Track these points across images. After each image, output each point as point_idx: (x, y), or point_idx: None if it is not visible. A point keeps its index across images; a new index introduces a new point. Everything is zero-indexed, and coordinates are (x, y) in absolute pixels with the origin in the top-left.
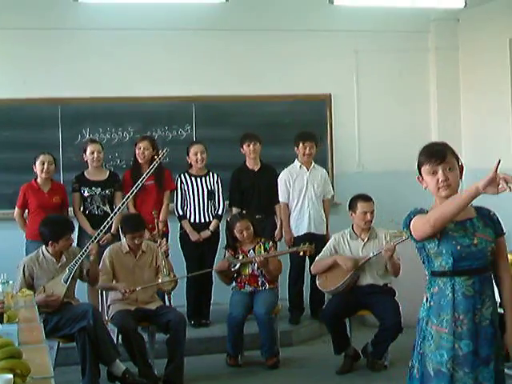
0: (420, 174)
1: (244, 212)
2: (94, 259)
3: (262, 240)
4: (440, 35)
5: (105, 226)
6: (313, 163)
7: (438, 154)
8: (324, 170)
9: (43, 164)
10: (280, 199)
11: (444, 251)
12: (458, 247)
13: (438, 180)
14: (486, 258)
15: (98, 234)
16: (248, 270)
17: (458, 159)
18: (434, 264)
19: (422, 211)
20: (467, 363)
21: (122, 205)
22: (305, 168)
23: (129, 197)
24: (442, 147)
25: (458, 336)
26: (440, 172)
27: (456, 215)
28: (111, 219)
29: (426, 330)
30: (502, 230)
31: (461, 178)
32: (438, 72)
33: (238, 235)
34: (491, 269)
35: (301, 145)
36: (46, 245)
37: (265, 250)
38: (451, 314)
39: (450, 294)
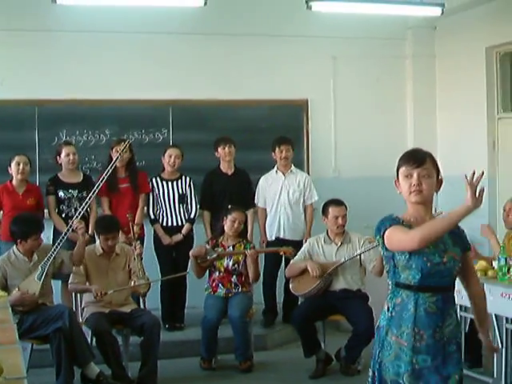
0: (398, 177)
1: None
2: (81, 237)
3: (244, 240)
4: (417, 42)
5: (73, 222)
6: (292, 168)
7: (416, 158)
8: (305, 175)
9: (18, 165)
10: (257, 204)
11: (414, 266)
12: (428, 264)
13: (410, 184)
14: (451, 277)
15: (66, 232)
16: (223, 265)
17: (438, 171)
18: (400, 275)
19: (397, 220)
20: (422, 378)
21: (89, 199)
22: (281, 173)
23: (95, 191)
24: (423, 153)
25: (417, 350)
26: (415, 176)
27: (443, 235)
28: (79, 214)
29: (385, 340)
30: (469, 246)
31: (437, 191)
32: (414, 79)
33: (228, 224)
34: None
35: (277, 149)
36: (16, 243)
37: (244, 247)
38: (411, 327)
39: (412, 309)
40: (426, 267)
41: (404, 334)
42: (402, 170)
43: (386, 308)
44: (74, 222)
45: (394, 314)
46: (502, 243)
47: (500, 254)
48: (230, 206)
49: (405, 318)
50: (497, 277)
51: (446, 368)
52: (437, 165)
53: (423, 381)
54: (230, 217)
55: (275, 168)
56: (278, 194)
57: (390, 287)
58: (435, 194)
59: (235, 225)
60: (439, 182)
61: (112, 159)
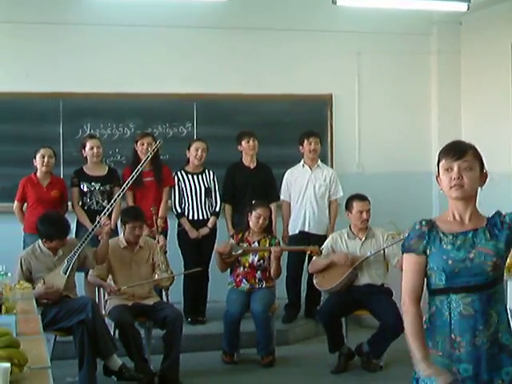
0: (438, 172)
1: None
2: (106, 236)
3: (269, 236)
4: (442, 38)
5: (101, 218)
6: (318, 162)
7: (456, 150)
8: (332, 171)
9: (43, 157)
10: (281, 197)
11: (435, 267)
12: (450, 262)
13: (451, 178)
14: (485, 274)
15: (93, 229)
16: (248, 260)
17: (482, 164)
18: (430, 281)
19: (420, 232)
20: None
21: (118, 196)
22: (307, 167)
23: (124, 188)
24: (465, 145)
25: (457, 359)
26: (455, 169)
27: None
28: (107, 210)
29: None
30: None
31: (481, 185)
32: (439, 75)
33: (253, 220)
34: (499, 283)
35: (305, 141)
36: (42, 239)
37: (270, 245)
38: (448, 334)
39: (447, 313)
40: (447, 266)
41: (439, 343)
42: (442, 163)
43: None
44: (102, 219)
45: (429, 325)
46: None
47: None
48: (254, 202)
49: (439, 326)
50: None
51: (488, 373)
52: (480, 157)
53: None
54: (254, 213)
55: (302, 162)
56: (305, 188)
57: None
58: (479, 189)
59: (260, 221)
60: (484, 176)
61: (137, 153)
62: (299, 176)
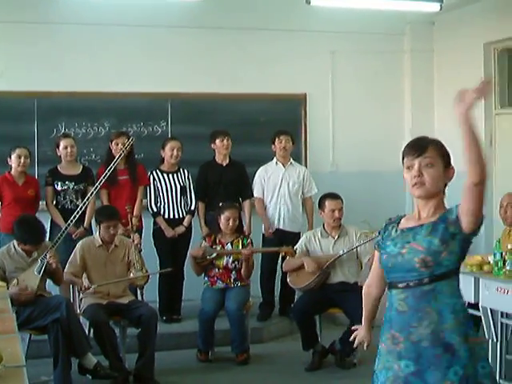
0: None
1: (236, 203)
2: (55, 266)
3: (241, 236)
4: (415, 38)
5: (74, 217)
6: (290, 160)
7: (417, 147)
8: (304, 168)
9: (19, 157)
10: (255, 195)
11: (382, 263)
12: (385, 256)
13: (412, 176)
14: (416, 271)
15: (66, 228)
16: (222, 263)
17: (447, 159)
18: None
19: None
20: None
21: (91, 195)
22: (281, 165)
23: (97, 186)
24: (426, 141)
25: (398, 355)
26: (415, 166)
27: None
28: (80, 209)
29: (378, 349)
30: (455, 231)
31: (448, 181)
32: (412, 74)
33: (223, 223)
34: (441, 280)
35: (277, 140)
36: (16, 242)
37: (243, 245)
38: (389, 330)
39: (389, 309)
40: (384, 261)
41: (384, 337)
42: (405, 161)
43: None
44: (48, 255)
45: (383, 319)
46: (498, 238)
47: (495, 249)
48: (221, 204)
49: (385, 321)
50: (492, 272)
51: (432, 373)
52: (445, 152)
53: None
54: (223, 216)
55: (274, 159)
56: (279, 186)
57: None
58: (446, 186)
59: (230, 223)
60: (450, 172)
61: (111, 152)
62: (273, 173)
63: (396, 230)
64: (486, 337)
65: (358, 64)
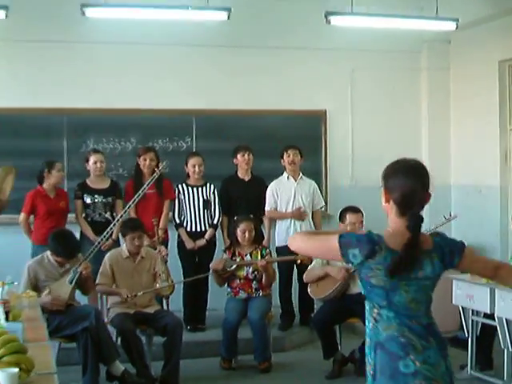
0: (384, 186)
1: (251, 216)
2: (87, 276)
3: (260, 246)
4: (432, 56)
5: (107, 233)
6: (300, 174)
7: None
8: (313, 182)
9: (60, 172)
10: (266, 208)
11: None
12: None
13: None
14: None
15: (99, 242)
16: (243, 273)
17: (427, 183)
18: None
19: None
20: None
21: (124, 212)
22: (292, 179)
23: (130, 205)
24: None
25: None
26: None
27: None
28: (113, 225)
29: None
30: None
31: (423, 204)
32: (429, 91)
33: (239, 235)
34: None
35: (285, 154)
36: (51, 251)
37: (261, 256)
38: None
39: None
40: None
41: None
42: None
43: None
44: (82, 266)
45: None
46: None
47: (511, 260)
48: (236, 218)
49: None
50: None
51: None
52: (382, 175)
53: None
54: (239, 229)
55: (285, 174)
56: (292, 199)
57: None
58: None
59: (246, 235)
60: (426, 196)
61: (139, 166)
62: (285, 188)
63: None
64: (502, 346)
65: (377, 81)
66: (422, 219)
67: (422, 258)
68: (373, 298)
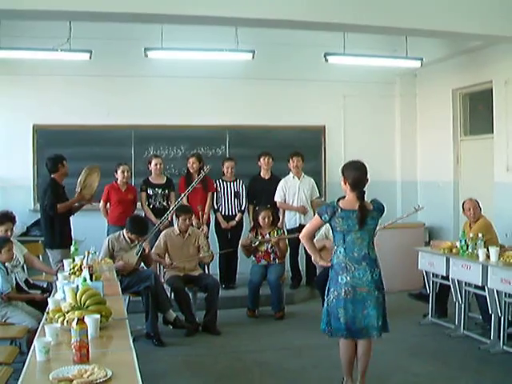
0: (343, 175)
1: (269, 205)
2: (148, 251)
3: (276, 228)
4: (403, 85)
5: (165, 217)
6: (302, 174)
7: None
8: (311, 179)
9: (123, 172)
10: (276, 199)
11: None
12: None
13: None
14: None
15: (159, 225)
16: (264, 248)
17: (342, 173)
18: None
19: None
20: None
21: (178, 202)
22: (297, 178)
23: (182, 196)
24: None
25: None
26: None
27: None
28: (169, 213)
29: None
30: None
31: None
32: (401, 111)
33: (261, 221)
34: None
35: (291, 160)
36: (126, 230)
37: (277, 234)
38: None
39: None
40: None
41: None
42: (346, 173)
43: None
44: (144, 244)
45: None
46: (463, 229)
47: (461, 237)
48: (257, 208)
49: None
50: (459, 253)
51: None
52: (342, 169)
53: None
54: (260, 216)
55: (291, 174)
56: (297, 193)
57: None
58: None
59: (266, 220)
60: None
61: (188, 168)
62: (291, 184)
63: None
64: (454, 299)
65: (363, 104)
66: (364, 193)
67: (367, 214)
68: (335, 239)
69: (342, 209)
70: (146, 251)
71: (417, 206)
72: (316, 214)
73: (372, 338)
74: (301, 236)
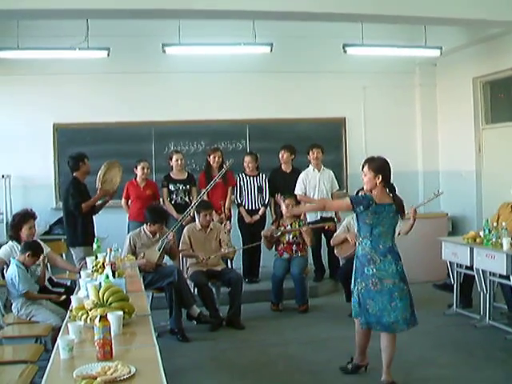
0: (374, 171)
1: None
2: (172, 243)
3: (297, 219)
4: (423, 75)
5: (187, 212)
6: (322, 166)
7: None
8: (331, 172)
9: (143, 169)
10: (296, 191)
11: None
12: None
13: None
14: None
15: (182, 218)
16: (285, 239)
17: (376, 170)
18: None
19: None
20: None
21: (200, 197)
22: (317, 171)
23: (204, 192)
24: (364, 162)
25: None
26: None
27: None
28: (191, 208)
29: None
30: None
31: (376, 182)
32: (421, 101)
33: (284, 209)
34: None
35: (310, 152)
36: (146, 224)
37: (298, 225)
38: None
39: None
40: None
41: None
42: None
43: None
44: (170, 235)
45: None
46: (486, 219)
47: (485, 226)
48: (283, 196)
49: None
50: (483, 243)
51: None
52: (374, 167)
53: None
54: (284, 203)
55: (311, 166)
56: (318, 185)
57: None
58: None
59: (289, 208)
60: (377, 178)
61: (209, 163)
62: (312, 177)
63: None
64: (479, 289)
65: (382, 95)
66: (394, 187)
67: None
68: (361, 231)
69: (375, 203)
70: (172, 242)
71: (436, 191)
72: (348, 200)
73: (402, 331)
74: (332, 242)
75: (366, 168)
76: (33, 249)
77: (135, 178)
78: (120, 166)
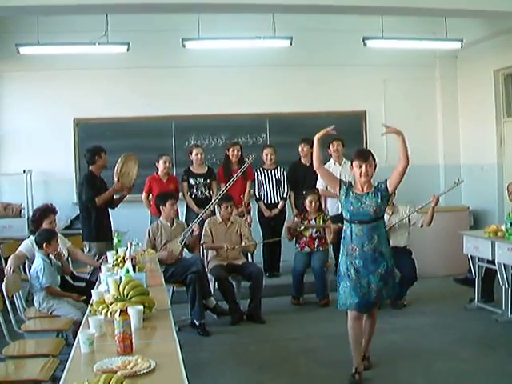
0: (351, 165)
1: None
2: (196, 235)
3: (322, 213)
4: (443, 68)
5: (208, 207)
6: (343, 159)
7: (364, 156)
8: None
9: (165, 163)
10: (318, 186)
11: (345, 208)
12: (351, 207)
13: (361, 171)
14: (369, 215)
15: (204, 212)
16: (308, 233)
17: (374, 160)
18: (343, 214)
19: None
20: (360, 272)
21: (222, 192)
22: (338, 164)
23: (227, 187)
24: (367, 152)
25: (354, 257)
26: (363, 167)
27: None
28: (212, 203)
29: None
30: (385, 195)
31: (374, 171)
32: (442, 94)
33: (307, 204)
34: (379, 220)
35: (331, 145)
36: (159, 211)
37: (323, 221)
38: (349, 244)
39: (349, 233)
40: (350, 209)
41: (345, 248)
42: (355, 162)
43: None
44: (194, 227)
45: (343, 238)
46: (508, 212)
47: (507, 220)
48: (304, 192)
49: (345, 242)
50: (504, 236)
51: (372, 265)
52: (374, 157)
53: (360, 274)
54: (307, 200)
55: (332, 160)
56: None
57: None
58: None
59: (313, 204)
60: (375, 166)
61: (228, 157)
62: (333, 171)
63: (353, 193)
64: (500, 284)
65: (403, 88)
66: None
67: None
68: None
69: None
70: (196, 232)
71: (457, 179)
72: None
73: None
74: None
75: (371, 159)
76: (45, 236)
77: (157, 173)
78: (136, 159)
